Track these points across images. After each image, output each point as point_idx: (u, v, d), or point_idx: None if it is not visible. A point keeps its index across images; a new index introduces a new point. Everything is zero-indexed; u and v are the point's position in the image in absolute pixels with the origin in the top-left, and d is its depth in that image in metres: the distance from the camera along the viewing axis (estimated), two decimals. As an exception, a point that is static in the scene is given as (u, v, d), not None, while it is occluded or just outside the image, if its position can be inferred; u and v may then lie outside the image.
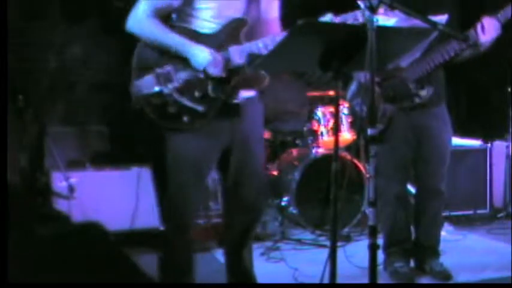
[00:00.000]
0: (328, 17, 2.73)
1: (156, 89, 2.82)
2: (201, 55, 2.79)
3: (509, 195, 5.32)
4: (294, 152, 5.29)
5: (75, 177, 4.40)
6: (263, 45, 2.80)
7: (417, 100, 3.60)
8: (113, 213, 4.33)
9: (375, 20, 2.34)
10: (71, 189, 4.35)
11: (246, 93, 2.97)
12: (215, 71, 2.79)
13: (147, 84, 2.83)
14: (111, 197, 4.46)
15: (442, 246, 3.86)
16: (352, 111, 4.33)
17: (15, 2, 4.90)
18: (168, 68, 2.83)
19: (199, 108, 2.82)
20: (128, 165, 4.60)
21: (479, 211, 5.25)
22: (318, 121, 5.13)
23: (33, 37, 5.38)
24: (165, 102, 2.82)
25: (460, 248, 4.39)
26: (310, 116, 5.20)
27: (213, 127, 2.88)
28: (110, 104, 5.55)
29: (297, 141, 5.41)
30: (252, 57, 2.83)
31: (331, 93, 5.16)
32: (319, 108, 5.14)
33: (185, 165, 2.91)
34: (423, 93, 3.59)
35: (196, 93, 2.82)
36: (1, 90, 2.82)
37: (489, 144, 5.34)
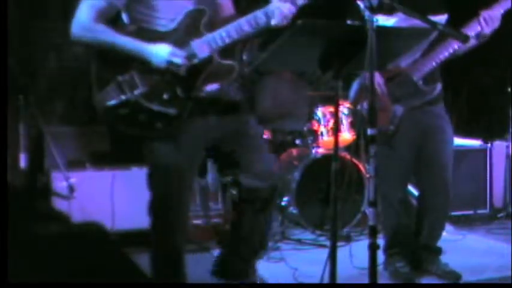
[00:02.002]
0: None
1: (122, 97, 2.66)
2: (160, 49, 2.66)
3: (509, 195, 5.32)
4: (294, 152, 5.28)
5: (75, 177, 4.40)
6: (226, 33, 2.70)
7: (428, 97, 3.59)
8: (113, 213, 4.33)
9: (374, 20, 2.34)
10: (71, 189, 4.35)
11: (210, 86, 2.84)
12: (180, 60, 2.66)
13: (111, 95, 2.67)
14: (111, 197, 4.45)
15: (441, 246, 3.85)
16: (355, 112, 4.31)
17: (15, 2, 4.90)
18: (130, 73, 2.67)
19: (171, 111, 2.68)
20: (128, 165, 4.59)
21: (479, 211, 5.24)
22: (318, 121, 5.13)
23: (33, 37, 5.38)
24: (134, 110, 2.66)
25: (460, 248, 4.39)
26: (310, 116, 5.20)
27: (190, 127, 2.76)
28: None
29: (297, 141, 5.41)
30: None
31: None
32: (319, 108, 5.14)
33: (167, 173, 2.78)
34: (433, 89, 3.58)
35: (165, 96, 2.68)
36: (1, 90, 2.82)
37: (489, 144, 5.33)
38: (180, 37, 2.70)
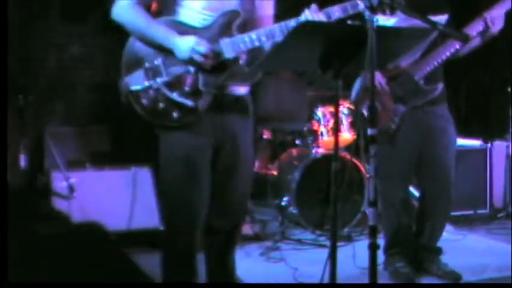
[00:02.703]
0: (312, 9, 2.68)
1: (145, 84, 2.72)
2: (186, 41, 2.68)
3: (509, 195, 5.32)
4: (294, 152, 5.29)
5: (75, 177, 4.40)
6: (256, 36, 2.71)
7: (429, 97, 3.58)
8: (113, 213, 4.33)
9: (375, 20, 2.34)
10: (71, 189, 4.35)
11: (238, 90, 2.87)
12: (204, 49, 2.67)
13: (136, 80, 2.74)
14: (111, 197, 4.45)
15: (441, 246, 3.86)
16: (355, 112, 4.31)
17: (15, 2, 4.90)
18: (157, 61, 2.74)
19: (189, 103, 2.72)
20: (128, 165, 4.60)
21: (479, 211, 5.24)
22: (318, 121, 5.13)
23: (33, 37, 5.38)
24: (154, 97, 2.72)
25: (460, 248, 4.39)
26: (310, 116, 5.21)
27: (204, 123, 2.77)
28: (110, 104, 5.56)
29: (297, 141, 5.41)
30: (252, 57, 2.82)
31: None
32: (319, 108, 5.15)
33: (179, 164, 2.79)
34: (434, 89, 3.57)
35: (186, 88, 2.72)
36: (1, 90, 2.82)
37: (489, 144, 5.34)
38: (211, 35, 2.73)
